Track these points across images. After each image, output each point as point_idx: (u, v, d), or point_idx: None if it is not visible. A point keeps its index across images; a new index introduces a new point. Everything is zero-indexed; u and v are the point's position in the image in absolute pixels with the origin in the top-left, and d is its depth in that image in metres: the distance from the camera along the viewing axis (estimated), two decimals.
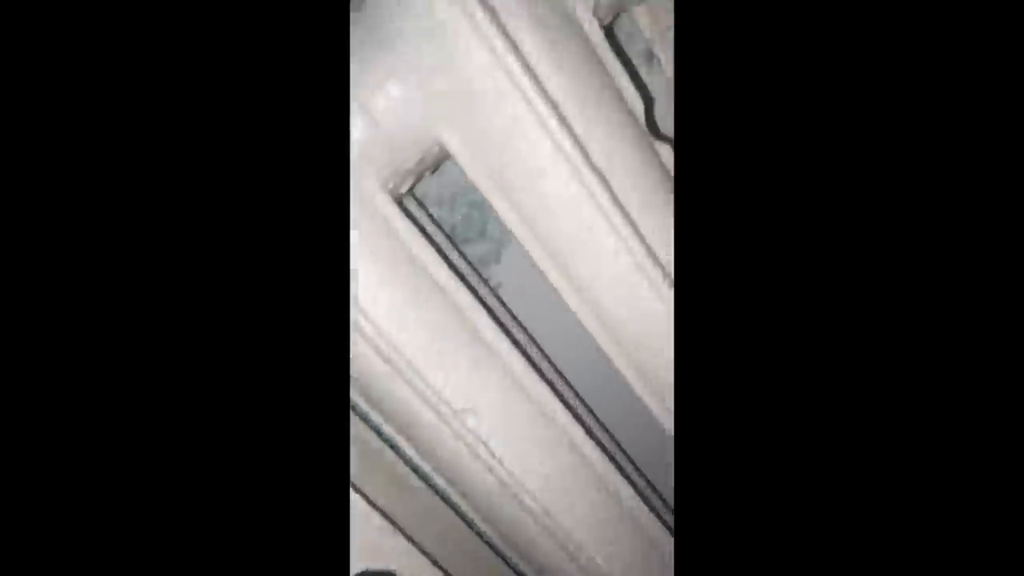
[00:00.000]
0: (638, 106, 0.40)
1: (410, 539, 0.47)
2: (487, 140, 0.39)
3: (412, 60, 0.37)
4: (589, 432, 0.46)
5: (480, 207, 0.55)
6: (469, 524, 0.50)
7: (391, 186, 0.41)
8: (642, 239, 0.40)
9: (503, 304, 0.56)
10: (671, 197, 0.41)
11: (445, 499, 0.49)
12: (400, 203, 0.43)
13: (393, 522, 0.48)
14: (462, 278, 0.43)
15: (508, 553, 0.51)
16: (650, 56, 0.51)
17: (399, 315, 0.41)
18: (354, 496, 0.45)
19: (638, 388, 0.46)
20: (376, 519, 0.48)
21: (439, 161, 0.42)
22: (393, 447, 0.48)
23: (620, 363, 0.45)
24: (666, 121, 0.45)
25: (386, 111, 0.38)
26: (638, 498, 0.48)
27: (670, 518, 0.52)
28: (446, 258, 0.43)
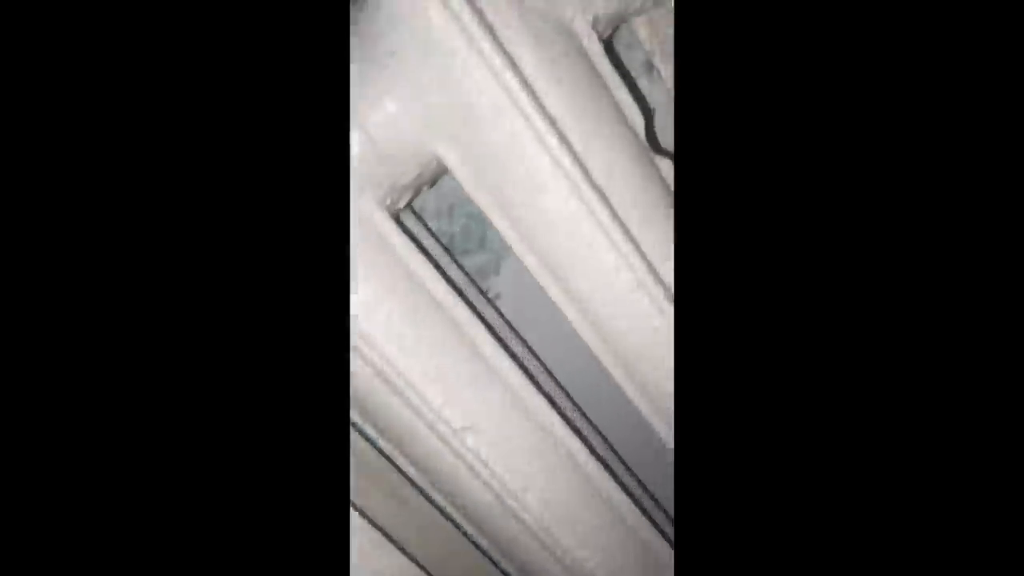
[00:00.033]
0: (638, 120, 0.39)
1: (409, 556, 0.46)
2: (485, 156, 0.38)
3: (408, 76, 0.37)
4: (590, 448, 0.45)
5: (479, 218, 0.55)
6: (469, 540, 0.50)
7: (388, 202, 0.41)
8: (643, 255, 0.40)
9: (502, 316, 0.55)
10: (671, 212, 0.41)
11: (444, 515, 0.49)
12: (397, 218, 0.42)
13: (391, 538, 0.48)
14: (460, 293, 0.43)
15: (509, 569, 0.50)
16: (650, 67, 0.51)
17: (397, 332, 0.40)
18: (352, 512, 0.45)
19: (638, 401, 0.46)
20: (374, 534, 0.48)
21: (437, 176, 0.42)
22: (391, 462, 0.47)
23: (620, 376, 0.45)
24: (666, 134, 0.44)
25: (382, 127, 0.38)
26: (640, 514, 0.48)
27: (672, 532, 0.52)
28: (444, 273, 0.43)
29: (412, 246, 0.41)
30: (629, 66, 0.51)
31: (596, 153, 0.38)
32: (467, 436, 0.42)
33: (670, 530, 0.52)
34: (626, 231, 0.39)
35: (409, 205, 0.44)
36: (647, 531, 0.48)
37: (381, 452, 0.46)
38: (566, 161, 0.38)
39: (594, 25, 0.38)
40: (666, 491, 0.58)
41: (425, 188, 0.44)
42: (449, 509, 0.47)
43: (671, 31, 0.47)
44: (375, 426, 0.43)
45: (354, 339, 0.39)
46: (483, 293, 0.55)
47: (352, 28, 0.37)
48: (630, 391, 0.45)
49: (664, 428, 0.46)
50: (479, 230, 0.56)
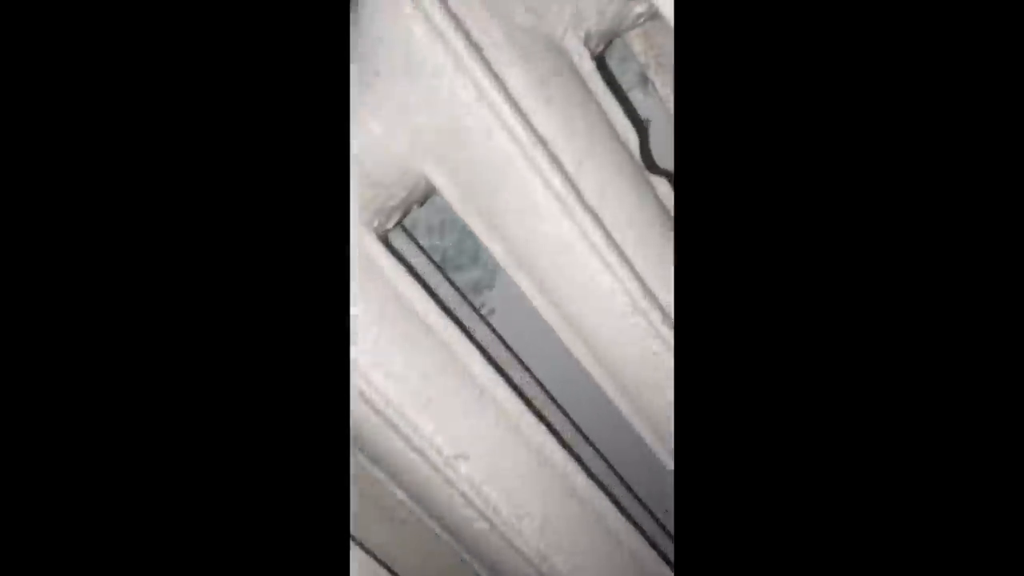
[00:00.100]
0: (632, 139, 0.38)
1: None
2: (475, 177, 0.37)
3: (395, 97, 0.36)
4: (588, 472, 0.44)
5: (472, 233, 0.54)
6: (465, 566, 0.49)
7: (376, 223, 0.40)
8: (638, 277, 0.39)
9: (496, 333, 0.54)
10: (667, 232, 0.39)
11: (441, 542, 0.48)
12: (386, 239, 0.41)
13: (386, 565, 0.47)
14: (452, 315, 0.41)
15: None
16: (644, 80, 0.50)
17: (386, 358, 0.39)
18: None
19: (637, 424, 0.45)
20: (370, 562, 0.47)
21: (426, 196, 0.41)
22: (384, 489, 0.46)
23: (618, 399, 0.44)
24: (662, 150, 0.43)
25: (369, 149, 0.37)
26: (639, 537, 0.47)
27: (673, 555, 0.51)
28: (435, 295, 0.42)
29: (401, 268, 0.40)
30: (623, 79, 0.50)
31: (588, 173, 0.37)
32: (460, 464, 0.41)
33: (671, 553, 0.51)
34: (621, 253, 0.38)
35: (399, 224, 0.43)
36: (647, 555, 0.47)
37: (375, 481, 0.44)
38: (557, 182, 0.37)
39: (586, 42, 0.37)
40: (667, 516, 0.57)
41: (415, 207, 0.42)
42: (445, 537, 0.46)
43: (666, 43, 0.46)
44: (364, 453, 0.42)
45: None
46: (476, 310, 0.54)
47: None
48: (628, 414, 0.44)
49: (664, 451, 0.45)
50: (473, 245, 0.54)
